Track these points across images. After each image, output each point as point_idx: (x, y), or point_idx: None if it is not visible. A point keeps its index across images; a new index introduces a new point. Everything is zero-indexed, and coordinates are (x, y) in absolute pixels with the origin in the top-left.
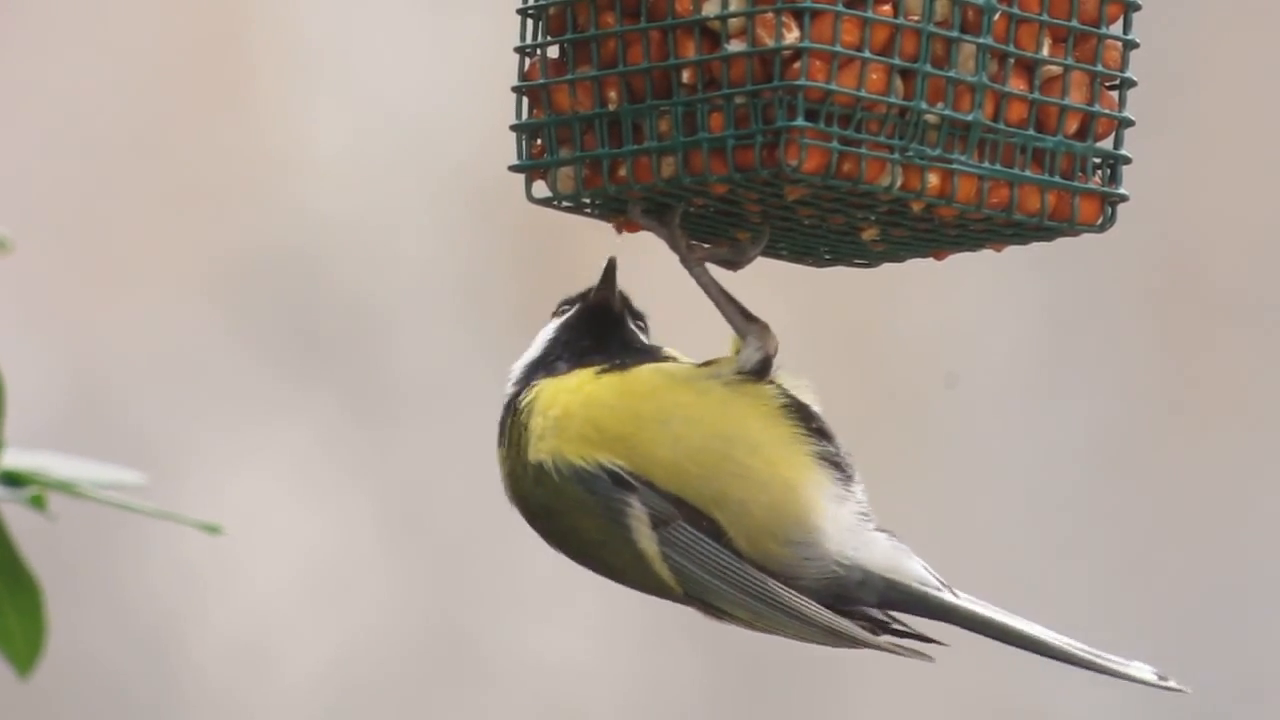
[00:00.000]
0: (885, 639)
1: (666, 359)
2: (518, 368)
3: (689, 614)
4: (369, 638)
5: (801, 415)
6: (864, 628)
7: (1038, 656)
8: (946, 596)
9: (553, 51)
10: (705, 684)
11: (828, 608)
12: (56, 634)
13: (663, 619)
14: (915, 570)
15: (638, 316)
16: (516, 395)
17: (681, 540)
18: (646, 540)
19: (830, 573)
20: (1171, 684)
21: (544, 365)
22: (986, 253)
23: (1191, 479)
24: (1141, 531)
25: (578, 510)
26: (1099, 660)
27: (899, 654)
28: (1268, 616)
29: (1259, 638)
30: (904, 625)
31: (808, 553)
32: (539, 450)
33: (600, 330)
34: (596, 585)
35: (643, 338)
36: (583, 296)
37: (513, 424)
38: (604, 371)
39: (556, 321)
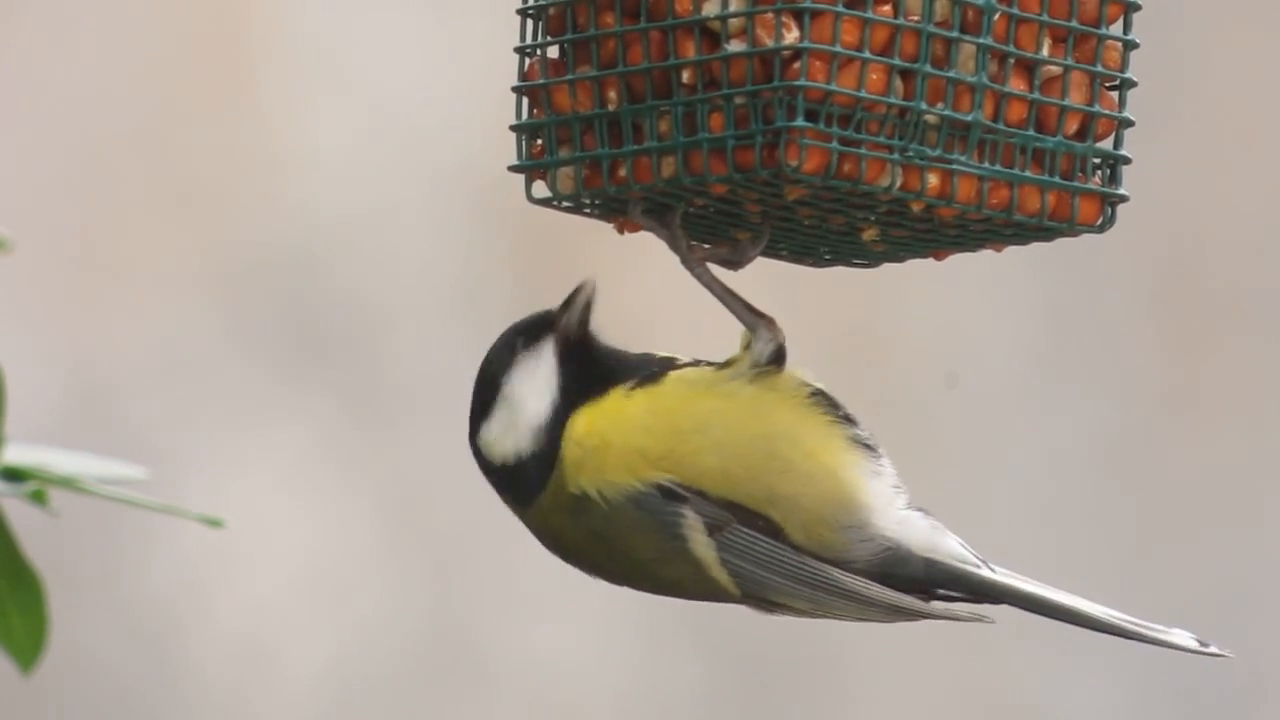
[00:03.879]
0: (938, 605)
1: (673, 363)
2: (530, 425)
3: (689, 614)
4: (369, 637)
5: (829, 403)
6: (919, 598)
7: (1040, 654)
8: (985, 573)
9: (553, 52)
10: (705, 684)
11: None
12: (57, 633)
13: (662, 619)
14: (953, 547)
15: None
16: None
17: (739, 543)
18: (703, 548)
19: (883, 550)
20: (1213, 649)
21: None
22: (986, 253)
23: (1191, 479)
24: (1141, 531)
25: (630, 531)
26: (1140, 629)
27: (956, 619)
28: (1267, 616)
29: (1258, 637)
30: (950, 592)
31: (861, 534)
32: (579, 482)
33: (592, 358)
34: (596, 585)
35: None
36: (535, 324)
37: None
38: (634, 389)
39: (549, 365)
